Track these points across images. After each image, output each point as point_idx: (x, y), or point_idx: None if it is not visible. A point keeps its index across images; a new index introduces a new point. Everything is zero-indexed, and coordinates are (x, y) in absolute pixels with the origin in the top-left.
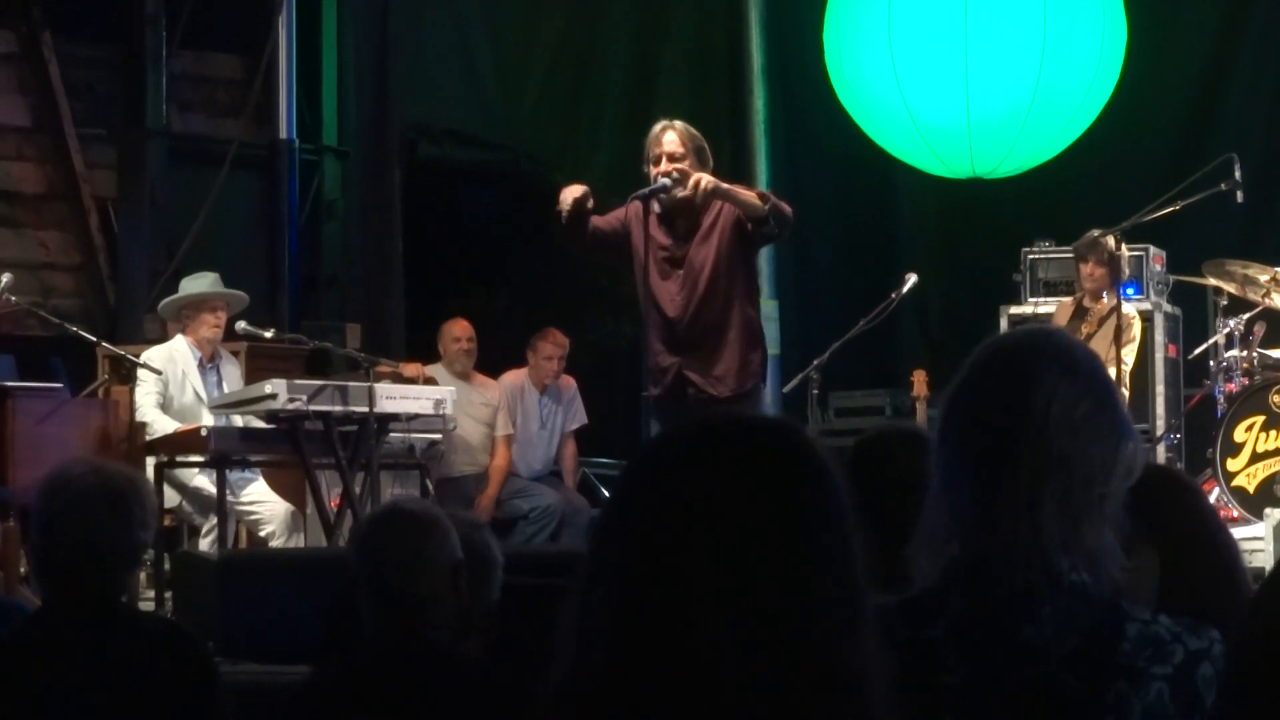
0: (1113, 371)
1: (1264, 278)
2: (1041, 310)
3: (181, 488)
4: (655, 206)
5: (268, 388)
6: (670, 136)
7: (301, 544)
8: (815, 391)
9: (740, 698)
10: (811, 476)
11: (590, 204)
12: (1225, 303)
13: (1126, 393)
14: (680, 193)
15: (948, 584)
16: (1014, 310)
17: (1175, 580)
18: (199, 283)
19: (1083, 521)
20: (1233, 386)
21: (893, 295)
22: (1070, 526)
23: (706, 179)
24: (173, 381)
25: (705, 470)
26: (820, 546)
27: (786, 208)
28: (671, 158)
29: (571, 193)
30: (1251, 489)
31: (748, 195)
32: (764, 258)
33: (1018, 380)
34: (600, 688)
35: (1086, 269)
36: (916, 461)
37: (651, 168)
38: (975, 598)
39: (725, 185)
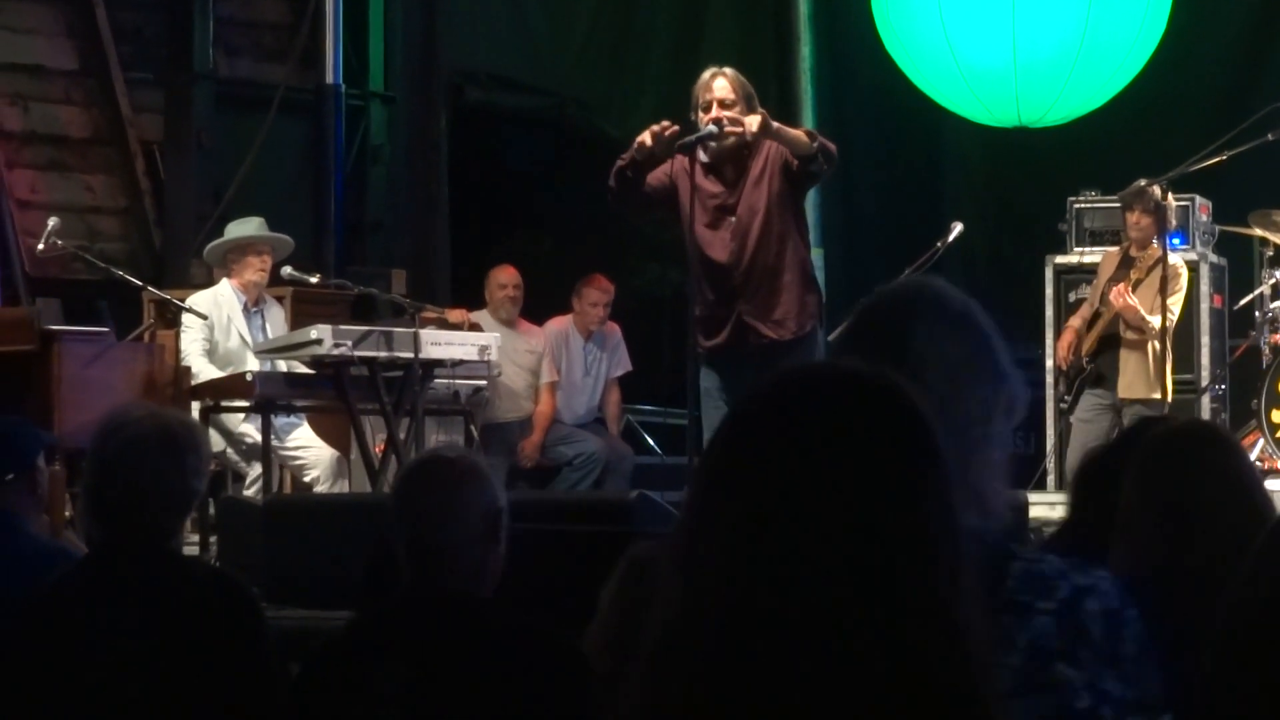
0: (1158, 321)
1: None
2: (1087, 260)
3: (227, 434)
4: (702, 155)
5: (313, 333)
6: (721, 83)
7: (346, 489)
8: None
9: (855, 648)
10: (918, 429)
11: (669, 132)
12: (1271, 253)
13: (1170, 345)
14: (729, 140)
15: None
16: (1059, 260)
17: (1206, 533)
18: (244, 227)
19: (970, 463)
20: (1278, 338)
21: (938, 244)
22: (957, 469)
23: (759, 119)
24: (218, 326)
25: (818, 421)
26: (929, 496)
27: (831, 146)
28: (723, 104)
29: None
30: None
31: (795, 133)
32: (809, 206)
33: (893, 332)
34: (713, 643)
35: (1132, 218)
36: None
37: (701, 114)
38: None
39: (775, 124)
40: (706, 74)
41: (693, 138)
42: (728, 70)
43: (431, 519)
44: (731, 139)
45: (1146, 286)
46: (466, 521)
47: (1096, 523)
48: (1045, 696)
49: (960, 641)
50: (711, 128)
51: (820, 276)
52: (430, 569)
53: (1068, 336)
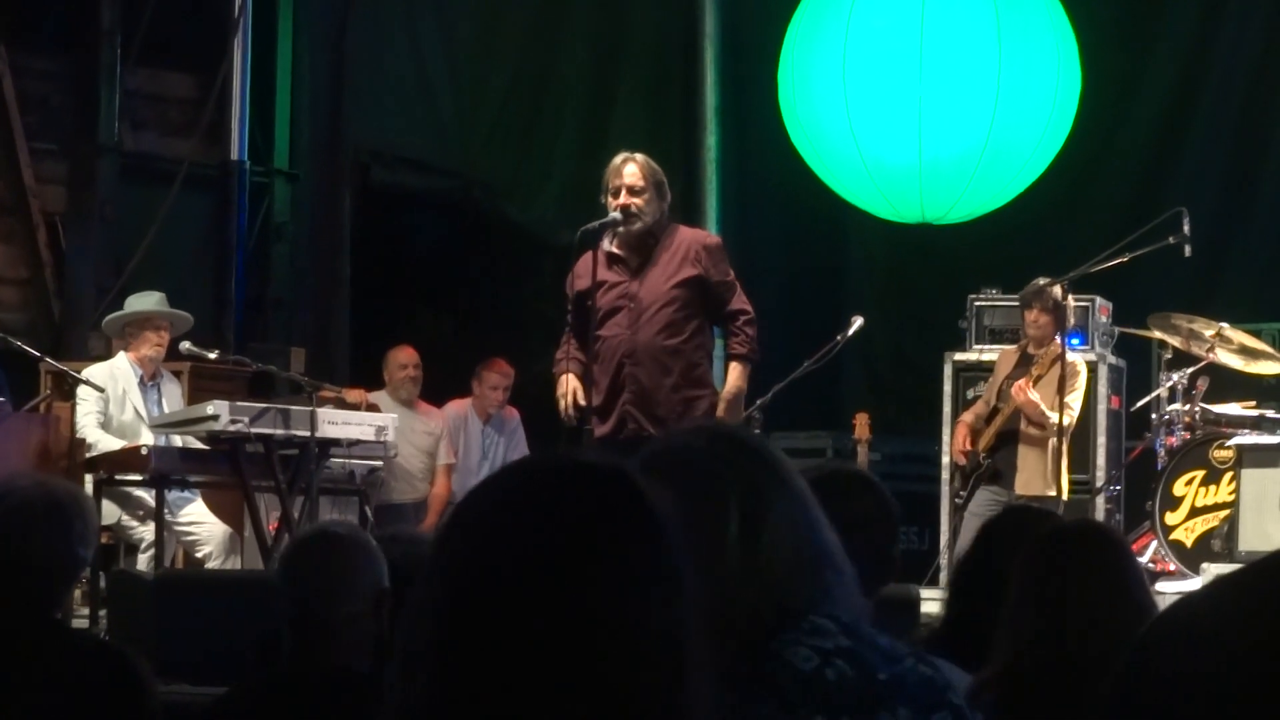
0: (1058, 417)
1: (1209, 332)
2: (986, 357)
3: (124, 498)
4: (606, 244)
5: (210, 409)
6: (631, 169)
7: (238, 566)
8: (757, 431)
9: None
10: (640, 525)
11: (581, 400)
12: (1169, 356)
13: (1068, 443)
14: (634, 226)
15: None
16: (959, 357)
17: (1090, 632)
18: (144, 301)
19: None
20: (1174, 440)
21: (838, 337)
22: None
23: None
24: (113, 399)
25: (526, 512)
26: (644, 596)
27: (751, 332)
28: (631, 190)
29: (567, 400)
30: (1189, 543)
31: (736, 386)
32: None
33: None
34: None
35: (1031, 315)
36: (865, 500)
37: (610, 198)
38: None
39: (727, 400)
40: (618, 159)
41: (597, 224)
42: (638, 156)
43: (320, 593)
44: (637, 225)
45: (1046, 383)
46: (354, 597)
47: (975, 623)
48: None
49: None
50: (615, 215)
51: (719, 365)
52: (315, 643)
53: (961, 432)
